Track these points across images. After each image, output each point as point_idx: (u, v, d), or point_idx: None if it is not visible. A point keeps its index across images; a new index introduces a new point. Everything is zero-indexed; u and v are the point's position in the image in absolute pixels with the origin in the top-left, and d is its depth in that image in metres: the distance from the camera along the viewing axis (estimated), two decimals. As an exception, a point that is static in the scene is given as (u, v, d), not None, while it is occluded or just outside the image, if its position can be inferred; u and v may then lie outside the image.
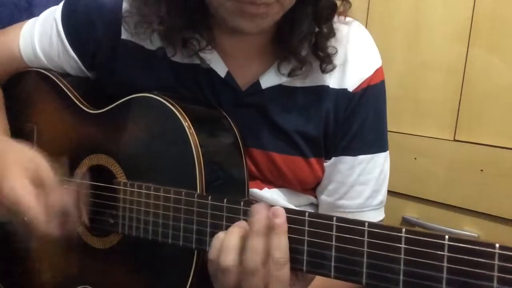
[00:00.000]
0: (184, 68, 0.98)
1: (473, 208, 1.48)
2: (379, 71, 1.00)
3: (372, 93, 0.98)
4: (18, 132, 1.07)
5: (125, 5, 0.98)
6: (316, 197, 1.06)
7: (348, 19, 1.00)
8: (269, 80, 0.96)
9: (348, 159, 0.99)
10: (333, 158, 0.99)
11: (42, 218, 0.84)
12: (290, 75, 0.94)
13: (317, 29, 0.92)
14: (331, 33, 0.94)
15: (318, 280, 0.76)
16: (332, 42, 0.95)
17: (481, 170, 1.46)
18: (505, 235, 1.43)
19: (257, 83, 0.96)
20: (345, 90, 0.97)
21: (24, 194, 0.84)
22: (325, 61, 0.94)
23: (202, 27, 0.93)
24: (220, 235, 0.75)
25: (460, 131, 1.51)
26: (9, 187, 0.85)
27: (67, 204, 0.89)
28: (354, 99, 0.97)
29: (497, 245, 0.56)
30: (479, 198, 1.46)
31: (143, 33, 0.95)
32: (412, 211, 1.60)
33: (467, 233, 1.49)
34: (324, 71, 0.95)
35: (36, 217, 0.84)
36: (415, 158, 1.58)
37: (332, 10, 0.93)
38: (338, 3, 0.95)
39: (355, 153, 0.98)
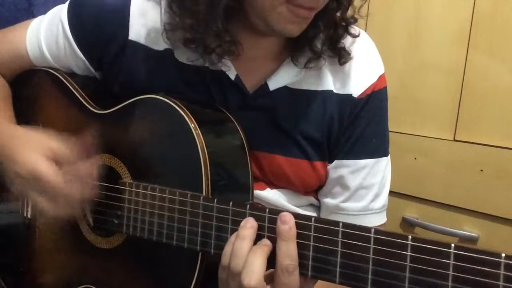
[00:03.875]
0: (192, 70, 0.97)
1: (473, 208, 1.48)
2: (382, 78, 1.01)
3: (376, 99, 1.00)
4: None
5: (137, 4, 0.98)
6: (316, 198, 1.06)
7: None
8: (276, 81, 0.97)
9: (350, 163, 0.99)
10: (336, 161, 1.00)
11: (62, 187, 0.87)
12: (306, 65, 0.95)
13: (332, 24, 0.94)
14: (348, 26, 0.96)
15: (322, 283, 0.76)
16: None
17: (481, 170, 1.46)
18: (505, 235, 1.43)
19: (265, 86, 0.96)
20: (349, 95, 0.98)
21: (43, 167, 0.86)
22: (343, 55, 0.96)
23: (229, 39, 0.89)
24: (232, 239, 0.76)
25: (460, 131, 1.52)
26: (26, 164, 0.87)
27: (84, 173, 0.90)
28: (358, 104, 0.98)
29: (503, 255, 0.56)
30: (479, 198, 1.47)
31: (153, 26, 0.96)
32: (412, 211, 1.61)
33: (467, 233, 1.49)
34: (342, 63, 0.96)
35: (57, 186, 0.86)
36: (415, 158, 1.58)
37: (349, 3, 0.94)
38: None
39: (358, 157, 1.00)
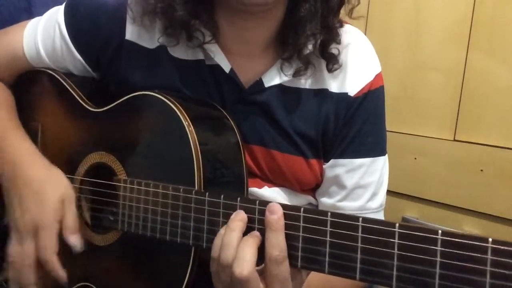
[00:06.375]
0: (188, 65, 0.98)
1: (473, 208, 1.48)
2: (379, 77, 1.01)
3: (372, 98, 0.99)
4: (24, 130, 1.07)
5: None
6: (314, 197, 1.06)
7: (347, 25, 1.01)
8: (271, 79, 0.96)
9: (346, 162, 0.99)
10: (332, 160, 1.00)
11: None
12: (294, 75, 0.95)
13: (323, 28, 0.93)
14: (338, 32, 0.95)
15: (314, 275, 0.75)
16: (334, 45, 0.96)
17: (481, 170, 1.46)
18: (505, 235, 1.40)
19: (260, 82, 0.96)
20: (345, 94, 0.98)
21: (50, 245, 0.89)
22: (331, 61, 0.95)
23: (206, 18, 0.92)
24: (221, 231, 0.75)
25: (460, 131, 1.51)
26: (41, 224, 0.89)
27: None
28: (354, 103, 0.98)
29: (490, 240, 0.56)
30: (479, 198, 1.47)
31: (148, 24, 0.96)
32: (412, 211, 1.60)
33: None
34: (330, 70, 0.96)
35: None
36: (415, 158, 1.58)
37: (339, 6, 0.94)
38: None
39: (354, 156, 0.99)
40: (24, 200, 0.92)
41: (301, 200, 1.05)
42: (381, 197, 1.04)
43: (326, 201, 1.03)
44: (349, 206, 1.01)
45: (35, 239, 0.89)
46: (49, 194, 0.91)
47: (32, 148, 1.00)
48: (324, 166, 1.01)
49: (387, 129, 1.05)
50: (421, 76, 1.58)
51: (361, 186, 1.00)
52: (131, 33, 0.99)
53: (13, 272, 0.91)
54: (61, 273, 0.90)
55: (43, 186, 0.92)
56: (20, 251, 0.90)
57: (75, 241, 0.91)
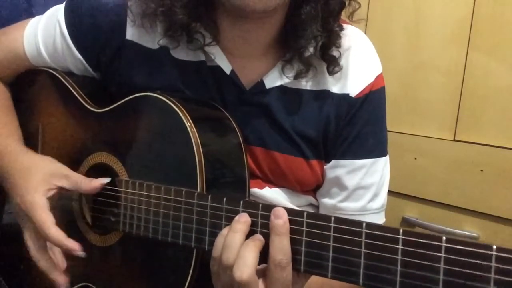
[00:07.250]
0: (189, 66, 0.98)
1: (473, 208, 1.48)
2: (379, 78, 1.01)
3: (373, 99, 0.99)
4: (24, 130, 1.07)
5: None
6: (315, 198, 1.06)
7: (348, 26, 1.01)
8: (273, 80, 0.97)
9: (347, 163, 0.99)
10: (333, 161, 1.00)
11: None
12: (296, 77, 0.95)
13: (324, 31, 0.93)
14: (339, 34, 0.95)
15: (316, 278, 0.76)
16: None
17: (481, 170, 1.46)
18: (505, 235, 1.43)
19: (261, 83, 0.96)
20: (346, 95, 0.98)
21: (42, 214, 0.92)
22: (332, 63, 0.95)
23: (206, 21, 0.93)
24: (224, 232, 0.75)
25: (460, 131, 1.51)
26: (30, 202, 0.92)
27: None
28: (355, 104, 0.98)
29: (494, 247, 0.56)
30: (479, 198, 1.47)
31: (148, 26, 0.96)
32: (412, 211, 1.60)
33: (467, 233, 1.49)
34: (331, 73, 0.96)
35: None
36: (415, 158, 1.58)
37: (340, 9, 0.94)
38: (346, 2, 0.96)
39: (355, 157, 0.99)
40: (14, 197, 0.97)
41: (302, 200, 1.05)
42: (382, 197, 1.04)
43: (327, 202, 1.03)
44: (350, 207, 1.01)
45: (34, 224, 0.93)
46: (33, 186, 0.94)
47: (20, 151, 1.03)
48: (325, 167, 1.01)
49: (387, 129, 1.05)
50: (421, 76, 1.58)
51: (362, 187, 1.01)
52: (131, 33, 0.99)
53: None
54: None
55: (26, 179, 0.96)
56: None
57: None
